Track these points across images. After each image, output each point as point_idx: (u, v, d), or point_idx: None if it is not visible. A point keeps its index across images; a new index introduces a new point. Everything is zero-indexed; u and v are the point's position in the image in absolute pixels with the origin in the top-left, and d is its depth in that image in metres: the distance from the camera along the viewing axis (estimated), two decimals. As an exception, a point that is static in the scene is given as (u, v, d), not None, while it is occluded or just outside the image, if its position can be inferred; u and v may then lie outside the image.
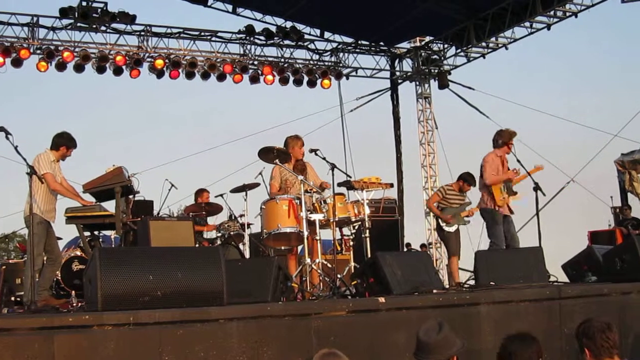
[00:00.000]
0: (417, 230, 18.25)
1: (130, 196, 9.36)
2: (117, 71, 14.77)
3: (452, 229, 10.81)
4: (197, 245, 9.75)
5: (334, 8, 15.43)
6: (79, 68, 14.39)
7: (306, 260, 8.14)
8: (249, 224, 10.91)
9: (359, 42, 17.34)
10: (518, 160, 9.65)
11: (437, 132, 18.27)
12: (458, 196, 10.84)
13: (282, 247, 8.87)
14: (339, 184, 9.00)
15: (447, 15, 15.67)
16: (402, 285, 6.97)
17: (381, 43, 17.68)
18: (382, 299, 6.37)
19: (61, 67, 14.26)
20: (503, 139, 9.97)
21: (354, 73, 17.70)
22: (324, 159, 8.76)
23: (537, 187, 9.55)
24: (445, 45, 17.47)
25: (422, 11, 15.27)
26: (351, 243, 9.57)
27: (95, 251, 5.87)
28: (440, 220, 10.96)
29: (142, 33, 14.93)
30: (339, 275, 8.08)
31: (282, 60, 16.37)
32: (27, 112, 55.46)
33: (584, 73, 57.57)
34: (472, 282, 8.47)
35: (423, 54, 17.88)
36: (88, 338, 5.11)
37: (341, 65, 17.24)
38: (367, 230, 8.84)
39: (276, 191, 9.08)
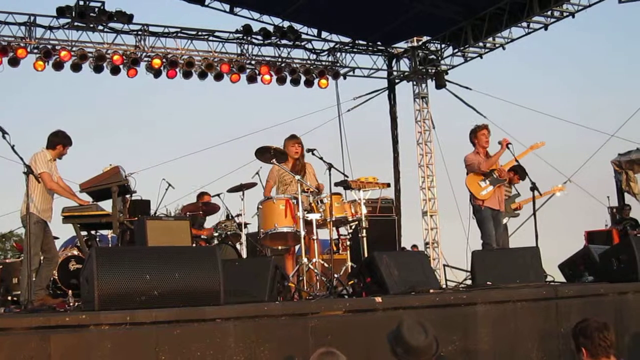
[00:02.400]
0: (414, 230, 18.26)
1: (127, 195, 9.37)
2: (115, 70, 14.76)
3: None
4: (194, 245, 9.75)
5: (331, 8, 15.42)
6: (76, 67, 14.37)
7: (303, 260, 8.15)
8: (246, 224, 10.91)
9: (356, 41, 17.33)
10: (516, 160, 9.63)
11: (434, 132, 18.27)
12: (507, 188, 10.59)
13: (279, 247, 8.87)
14: (336, 184, 9.00)
15: (444, 16, 15.67)
16: (399, 285, 6.97)
17: (378, 43, 17.68)
18: (379, 299, 6.38)
19: (58, 66, 14.24)
20: (472, 133, 9.88)
21: (351, 73, 17.68)
22: (320, 158, 8.78)
23: (534, 187, 9.55)
24: (443, 45, 17.47)
25: (420, 11, 15.28)
26: (348, 243, 9.55)
27: (92, 250, 5.86)
28: None
29: (140, 32, 14.91)
30: (335, 275, 8.09)
31: (280, 59, 16.36)
32: (23, 110, 55.35)
33: (581, 73, 57.64)
34: (468, 282, 8.47)
35: (420, 53, 17.86)
36: (85, 337, 5.11)
37: (338, 65, 17.24)
38: (364, 230, 8.84)
39: (270, 190, 9.11)
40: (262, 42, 16.03)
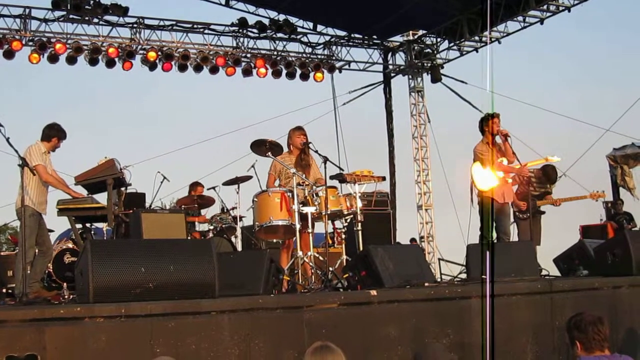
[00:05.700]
0: (409, 223, 18.26)
1: (122, 188, 9.34)
2: (110, 63, 14.70)
3: (527, 216, 10.46)
4: (188, 238, 9.74)
5: (327, 1, 15.42)
6: (71, 60, 14.33)
7: (298, 253, 8.15)
8: (241, 217, 10.91)
9: (352, 35, 17.31)
10: (513, 153, 9.56)
11: (430, 126, 18.28)
12: (537, 184, 10.69)
13: (274, 240, 8.87)
14: (331, 177, 9.01)
15: (440, 9, 15.66)
16: (394, 278, 6.97)
17: (374, 36, 17.66)
18: (374, 292, 6.38)
19: (53, 59, 14.18)
20: (484, 120, 9.57)
21: (346, 66, 17.68)
22: (316, 152, 8.78)
23: (528, 182, 9.54)
24: (438, 39, 17.47)
25: (415, 5, 15.25)
26: (343, 236, 9.55)
27: (86, 243, 5.86)
28: (514, 207, 10.76)
29: (135, 25, 14.87)
30: (331, 268, 8.09)
31: (275, 53, 16.33)
32: (18, 103, 55.24)
33: (577, 67, 57.65)
34: (463, 276, 8.48)
35: (416, 47, 17.86)
36: (79, 330, 5.11)
37: (334, 58, 17.21)
38: (359, 224, 8.84)
39: (272, 183, 9.09)
40: (257, 35, 16.00)
